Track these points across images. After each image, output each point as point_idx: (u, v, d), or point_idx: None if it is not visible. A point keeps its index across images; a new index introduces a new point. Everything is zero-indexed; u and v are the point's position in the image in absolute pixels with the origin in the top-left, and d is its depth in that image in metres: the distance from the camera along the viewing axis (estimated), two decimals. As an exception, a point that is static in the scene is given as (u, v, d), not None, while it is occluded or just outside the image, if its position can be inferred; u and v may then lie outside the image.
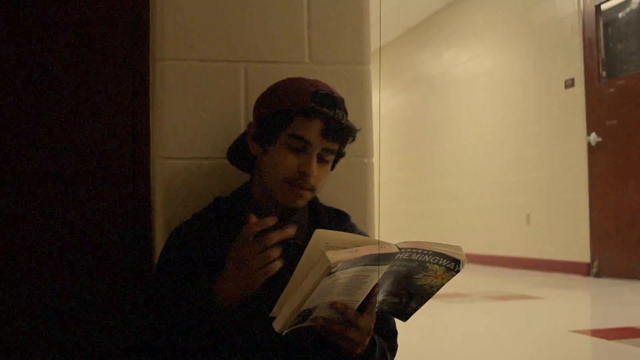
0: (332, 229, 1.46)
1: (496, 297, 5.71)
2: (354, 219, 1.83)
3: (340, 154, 1.65)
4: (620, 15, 6.77)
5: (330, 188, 1.84)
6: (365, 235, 1.74)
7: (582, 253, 6.95)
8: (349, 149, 1.90)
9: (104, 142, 1.93)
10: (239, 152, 1.72)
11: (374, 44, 2.04)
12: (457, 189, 9.49)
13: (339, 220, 1.72)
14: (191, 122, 1.84)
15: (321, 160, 1.58)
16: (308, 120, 1.54)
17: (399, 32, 11.18)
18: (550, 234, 7.52)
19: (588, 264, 6.85)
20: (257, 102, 1.67)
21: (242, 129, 1.85)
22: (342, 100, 1.60)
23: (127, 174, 1.94)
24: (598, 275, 6.71)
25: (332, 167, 1.67)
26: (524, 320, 4.60)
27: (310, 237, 1.37)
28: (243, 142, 1.69)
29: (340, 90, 1.91)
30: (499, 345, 3.69)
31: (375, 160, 1.99)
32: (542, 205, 7.66)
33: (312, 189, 1.59)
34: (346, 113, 1.59)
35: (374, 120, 2.01)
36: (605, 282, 6.37)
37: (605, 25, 6.85)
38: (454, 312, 5.05)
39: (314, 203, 1.71)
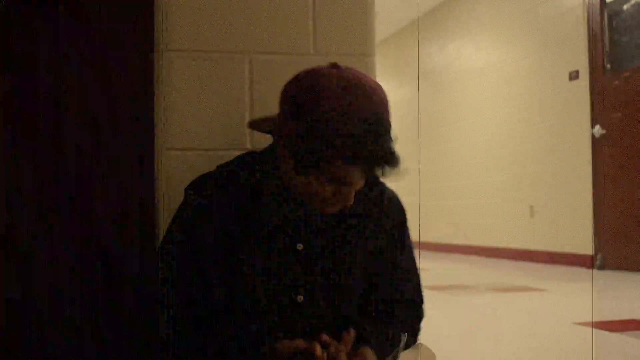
0: (363, 193, 1.53)
1: (500, 289, 5.71)
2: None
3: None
4: (625, 7, 6.75)
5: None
6: (396, 196, 1.71)
7: (585, 245, 6.95)
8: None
9: (107, 134, 1.93)
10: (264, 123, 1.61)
11: (379, 35, 2.04)
12: (461, 181, 9.48)
13: (371, 184, 1.63)
14: (195, 113, 1.84)
15: (362, 183, 1.51)
16: (350, 165, 1.42)
17: (403, 24, 11.16)
18: (554, 226, 7.51)
19: (592, 257, 6.85)
20: (290, 112, 1.48)
21: (247, 120, 1.85)
22: (388, 126, 1.50)
23: (132, 164, 1.94)
24: (602, 267, 6.71)
25: None
26: (528, 312, 4.61)
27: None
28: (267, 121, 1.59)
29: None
30: (502, 337, 3.69)
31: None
32: (546, 198, 7.65)
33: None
34: (389, 129, 1.51)
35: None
36: (608, 275, 6.37)
37: (610, 18, 6.83)
38: (458, 304, 5.06)
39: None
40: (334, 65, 1.50)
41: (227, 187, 1.55)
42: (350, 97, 1.42)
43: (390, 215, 1.67)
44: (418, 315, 1.74)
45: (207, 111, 1.86)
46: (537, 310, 4.66)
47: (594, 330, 3.76)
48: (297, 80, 1.50)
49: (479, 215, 9.00)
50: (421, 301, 1.75)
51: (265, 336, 1.47)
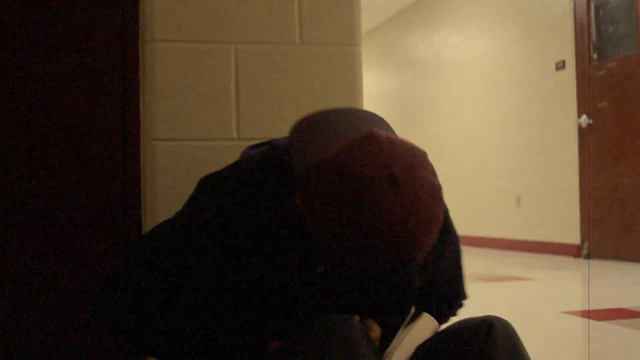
0: None
1: (487, 279, 5.73)
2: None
3: None
4: (611, -3, 6.77)
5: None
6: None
7: (572, 235, 6.97)
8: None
9: (93, 124, 1.92)
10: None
11: (366, 25, 2.04)
12: (448, 172, 9.49)
13: None
14: (181, 104, 1.84)
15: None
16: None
17: (389, 14, 11.15)
18: (541, 216, 7.54)
19: (578, 246, 6.88)
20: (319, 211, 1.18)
21: (233, 110, 1.84)
22: (411, 261, 1.19)
23: (117, 156, 1.93)
24: (588, 256, 6.74)
25: None
26: (515, 301, 4.62)
27: None
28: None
29: (331, 71, 1.91)
30: (489, 326, 3.70)
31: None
32: (533, 188, 7.68)
33: None
34: (409, 266, 1.20)
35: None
36: (595, 264, 6.40)
37: (597, 8, 6.84)
38: (444, 293, 5.06)
39: None
40: (392, 177, 1.18)
41: (250, 196, 1.34)
42: (389, 246, 1.15)
43: None
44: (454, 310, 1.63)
45: (192, 101, 1.85)
46: (523, 300, 4.68)
47: (581, 319, 3.78)
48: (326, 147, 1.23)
49: (466, 204, 9.02)
50: (463, 296, 1.64)
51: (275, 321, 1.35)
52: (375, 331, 1.38)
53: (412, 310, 1.40)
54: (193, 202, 1.41)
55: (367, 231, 1.13)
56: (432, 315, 1.41)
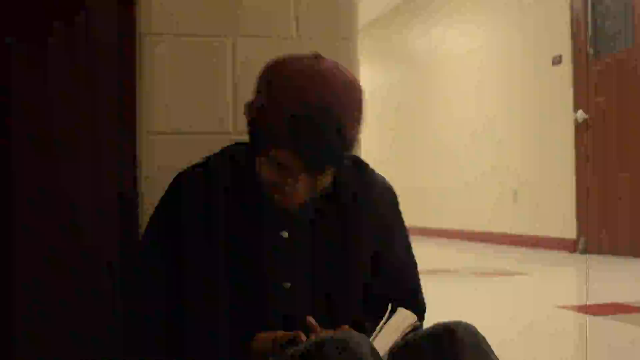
0: (353, 180, 1.54)
1: (483, 274, 5.74)
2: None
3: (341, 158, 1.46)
4: (608, -8, 6.76)
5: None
6: (387, 182, 1.65)
7: (568, 230, 6.98)
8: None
9: (88, 117, 1.91)
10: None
11: (362, 19, 2.03)
12: (445, 166, 9.50)
13: (359, 172, 1.61)
14: (178, 97, 1.83)
15: (315, 174, 1.44)
16: (280, 151, 1.40)
17: (387, 9, 11.14)
18: (537, 210, 7.54)
19: (574, 241, 6.89)
20: (255, 88, 1.49)
21: (230, 103, 1.84)
22: (333, 116, 1.37)
23: (113, 149, 1.92)
24: (584, 251, 6.75)
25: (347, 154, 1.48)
26: (511, 296, 4.63)
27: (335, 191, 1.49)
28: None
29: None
30: (485, 320, 3.69)
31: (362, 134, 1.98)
32: (529, 182, 7.68)
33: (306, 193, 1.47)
34: (340, 128, 1.38)
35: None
36: (591, 259, 6.41)
37: (593, 3, 6.83)
38: (440, 288, 5.07)
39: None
40: (315, 55, 1.44)
41: (210, 176, 1.53)
42: (305, 85, 1.37)
43: (381, 201, 1.62)
44: (419, 306, 1.70)
45: (189, 95, 1.85)
46: (520, 294, 4.68)
47: (577, 314, 3.78)
48: (270, 61, 1.48)
49: (463, 199, 9.03)
50: (419, 290, 1.72)
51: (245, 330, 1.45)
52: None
53: (389, 307, 1.43)
54: (163, 196, 1.58)
55: (288, 74, 1.40)
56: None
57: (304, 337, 1.36)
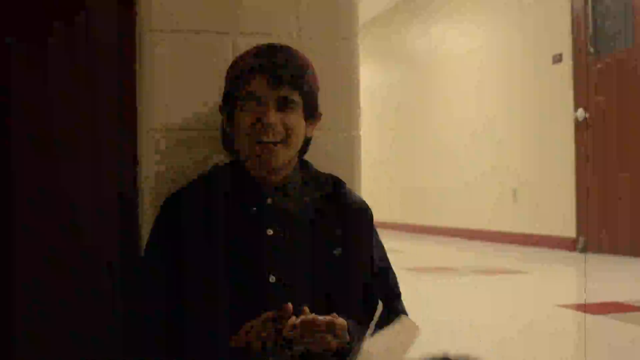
0: (326, 197, 1.60)
1: (483, 272, 5.74)
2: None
3: (309, 99, 1.63)
4: (608, -9, 6.76)
5: (317, 163, 1.84)
6: (364, 202, 1.72)
7: (568, 229, 6.98)
8: (337, 123, 1.89)
9: (89, 114, 1.91)
10: (225, 141, 1.72)
11: (362, 17, 2.04)
12: (445, 164, 9.50)
13: (334, 187, 1.69)
14: (178, 94, 1.83)
15: (284, 108, 1.58)
16: (252, 77, 1.56)
17: (386, 7, 11.14)
18: (537, 209, 7.54)
19: (574, 240, 6.89)
20: None
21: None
22: (286, 48, 1.63)
23: (113, 146, 1.93)
24: (584, 250, 6.75)
25: (312, 114, 1.66)
26: (511, 294, 4.63)
27: (304, 205, 1.57)
28: (223, 133, 1.71)
29: (328, 63, 1.91)
30: (485, 319, 3.71)
31: (362, 133, 1.99)
32: (529, 181, 7.68)
33: (282, 140, 1.57)
34: (292, 54, 1.62)
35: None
36: (590, 258, 6.41)
37: (594, 1, 6.83)
38: (441, 286, 5.07)
39: (306, 169, 1.71)
40: None
41: (209, 182, 1.63)
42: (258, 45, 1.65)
43: (355, 213, 1.68)
44: (399, 309, 1.72)
45: (190, 94, 1.84)
46: (519, 293, 4.68)
47: (577, 312, 3.78)
48: None
49: (463, 197, 9.02)
50: (399, 295, 1.75)
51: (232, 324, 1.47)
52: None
53: (379, 308, 1.44)
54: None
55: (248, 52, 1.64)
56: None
57: (290, 306, 1.38)
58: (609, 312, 3.73)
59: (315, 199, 1.62)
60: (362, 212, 1.70)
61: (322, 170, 1.76)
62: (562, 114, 7.03)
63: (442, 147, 9.55)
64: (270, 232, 1.57)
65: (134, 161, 1.91)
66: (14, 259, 1.84)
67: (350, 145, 1.96)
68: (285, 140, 1.57)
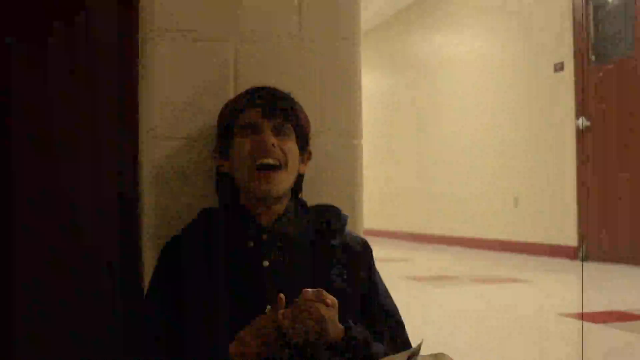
0: (322, 230, 1.62)
1: (484, 280, 5.73)
2: (342, 200, 1.82)
3: (302, 132, 1.67)
4: (610, -1, 6.77)
5: (318, 170, 1.83)
6: (359, 237, 1.74)
7: (569, 237, 6.97)
8: (337, 129, 1.88)
9: (89, 118, 1.91)
10: (222, 187, 1.73)
11: (365, 24, 2.03)
12: (446, 171, 9.49)
13: (330, 219, 1.69)
14: (179, 98, 1.82)
15: (279, 133, 1.62)
16: (245, 112, 1.62)
17: (389, 14, 11.16)
18: (538, 217, 7.53)
19: (575, 248, 6.87)
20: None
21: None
22: (278, 89, 1.69)
23: (114, 150, 1.92)
24: (585, 259, 6.73)
25: (305, 152, 1.69)
26: (512, 303, 4.62)
27: (300, 236, 1.60)
28: (217, 173, 1.73)
29: (331, 70, 1.90)
30: (486, 328, 3.69)
31: (364, 141, 1.97)
32: (531, 189, 7.67)
33: (281, 165, 1.59)
34: (283, 92, 1.68)
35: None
36: (592, 266, 6.40)
37: (595, 9, 6.84)
38: (441, 295, 5.06)
39: (301, 204, 1.71)
40: None
41: (194, 232, 1.64)
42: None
43: (355, 249, 1.69)
44: (404, 337, 1.71)
45: (190, 96, 1.83)
46: (521, 301, 4.67)
47: (578, 321, 3.77)
48: None
49: (464, 205, 9.02)
50: (404, 325, 1.73)
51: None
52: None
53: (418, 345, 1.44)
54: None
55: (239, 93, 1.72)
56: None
57: (283, 296, 1.41)
58: (611, 321, 3.72)
59: (310, 229, 1.65)
60: (361, 253, 1.70)
61: (324, 177, 1.75)
62: (564, 122, 7.02)
63: (444, 154, 9.55)
64: (266, 263, 1.57)
65: (134, 163, 1.90)
66: (14, 259, 1.84)
67: (352, 153, 1.94)
68: (285, 165, 1.60)
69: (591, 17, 6.83)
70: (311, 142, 1.74)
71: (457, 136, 9.20)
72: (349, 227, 1.72)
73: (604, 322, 3.69)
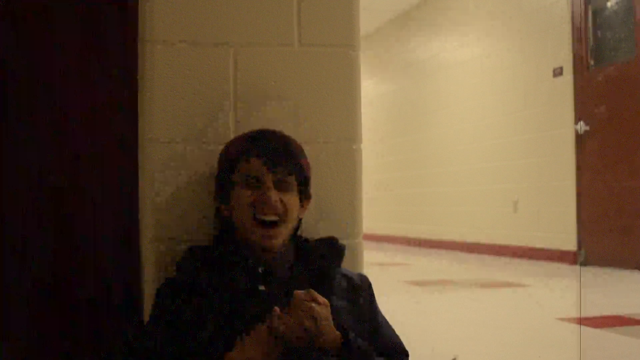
0: (319, 267, 1.63)
1: (483, 285, 5.73)
2: (342, 205, 1.83)
3: (302, 182, 1.67)
4: (608, 4, 6.77)
5: (317, 174, 1.83)
6: (357, 273, 1.75)
7: (569, 241, 6.97)
8: (337, 134, 1.88)
9: (90, 124, 1.91)
10: (223, 228, 1.73)
11: (364, 28, 2.03)
12: (445, 176, 9.49)
13: (328, 257, 1.70)
14: (179, 105, 1.82)
15: (282, 187, 1.62)
16: (249, 161, 1.62)
17: (388, 18, 11.16)
18: (538, 221, 7.54)
19: (574, 253, 6.87)
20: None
21: (230, 112, 1.84)
22: (279, 134, 1.70)
23: (114, 156, 1.92)
24: (584, 263, 6.73)
25: (305, 197, 1.70)
26: (511, 307, 4.62)
27: (299, 273, 1.61)
28: (219, 217, 1.73)
29: (330, 74, 1.91)
30: (485, 332, 3.69)
31: (363, 146, 1.98)
32: (530, 193, 7.67)
33: (281, 219, 1.61)
34: (286, 140, 1.68)
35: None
36: (591, 271, 6.40)
37: (594, 13, 6.85)
38: (440, 299, 5.06)
39: (299, 241, 1.72)
40: None
41: (189, 269, 1.64)
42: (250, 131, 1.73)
43: (354, 279, 1.72)
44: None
45: (191, 103, 1.84)
46: (520, 306, 4.67)
47: (576, 326, 3.77)
48: None
49: (463, 210, 9.02)
50: (407, 354, 1.74)
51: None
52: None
53: None
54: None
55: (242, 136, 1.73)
56: None
57: (277, 309, 1.45)
58: (610, 326, 3.72)
59: (308, 274, 1.65)
60: (360, 285, 1.72)
61: (324, 182, 1.76)
62: (563, 127, 7.03)
63: (443, 159, 9.55)
64: (262, 287, 1.59)
65: (135, 169, 1.91)
66: (14, 259, 1.84)
67: (351, 158, 1.95)
68: (284, 219, 1.61)
69: (590, 21, 6.84)
70: (311, 147, 1.75)
71: (456, 140, 9.20)
72: (348, 237, 1.72)
73: (603, 326, 3.69)
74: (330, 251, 1.71)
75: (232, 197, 1.64)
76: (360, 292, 1.70)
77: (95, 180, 1.90)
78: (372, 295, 1.73)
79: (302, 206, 1.69)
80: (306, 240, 1.73)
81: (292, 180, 1.64)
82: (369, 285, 1.74)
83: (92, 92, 1.91)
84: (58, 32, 1.89)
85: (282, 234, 1.62)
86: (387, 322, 1.73)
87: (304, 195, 1.69)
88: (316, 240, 1.74)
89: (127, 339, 1.69)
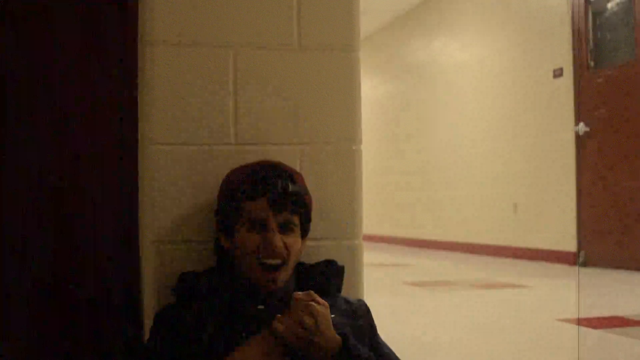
0: (319, 283, 1.65)
1: (483, 286, 5.73)
2: (342, 205, 1.83)
3: (305, 220, 1.67)
4: (609, 5, 6.77)
5: (318, 176, 1.83)
6: (354, 301, 1.75)
7: (568, 242, 6.97)
8: (337, 135, 1.88)
9: (90, 126, 1.91)
10: (221, 256, 1.73)
11: (364, 30, 2.03)
12: (445, 178, 9.49)
13: (327, 274, 1.72)
14: (179, 107, 1.82)
15: (286, 230, 1.61)
16: (254, 201, 1.60)
17: (387, 20, 11.17)
18: (538, 223, 7.54)
19: (574, 254, 6.87)
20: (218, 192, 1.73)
21: (231, 114, 1.83)
22: (285, 171, 1.66)
23: (114, 158, 1.92)
24: (584, 264, 6.73)
25: (305, 233, 1.69)
26: (511, 308, 4.62)
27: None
28: (217, 245, 1.73)
29: (330, 76, 1.91)
30: (485, 333, 3.69)
31: (363, 147, 1.98)
32: (530, 195, 7.68)
33: (283, 262, 1.60)
34: (292, 180, 1.64)
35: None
36: (591, 272, 6.40)
37: (594, 15, 6.85)
38: (440, 300, 5.06)
39: (300, 269, 1.72)
40: None
41: (188, 295, 1.64)
42: (252, 163, 1.71)
43: (353, 303, 1.73)
44: None
45: (191, 105, 1.84)
46: (520, 307, 4.67)
47: (576, 326, 3.77)
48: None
49: (463, 211, 9.02)
50: None
51: None
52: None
53: None
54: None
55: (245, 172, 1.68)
56: None
57: (279, 316, 1.47)
58: (610, 327, 3.72)
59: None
60: (359, 307, 1.73)
61: (324, 183, 1.76)
62: (563, 128, 7.03)
63: (443, 160, 9.55)
64: (261, 307, 1.60)
65: (135, 171, 1.91)
66: (14, 259, 1.84)
67: (352, 158, 1.95)
68: (287, 262, 1.61)
69: (590, 23, 6.84)
70: (311, 148, 1.75)
71: (456, 142, 9.21)
72: (348, 238, 1.72)
73: (603, 327, 3.69)
74: (330, 270, 1.73)
75: (236, 236, 1.63)
76: (359, 313, 1.70)
77: (95, 180, 1.90)
78: (371, 319, 1.74)
79: (302, 242, 1.69)
80: (306, 267, 1.74)
81: (296, 220, 1.64)
82: (368, 310, 1.75)
83: (92, 92, 1.91)
84: (58, 32, 1.90)
85: (285, 275, 1.62)
86: (386, 344, 1.73)
87: (306, 232, 1.69)
88: (315, 263, 1.75)
89: (127, 339, 1.70)
